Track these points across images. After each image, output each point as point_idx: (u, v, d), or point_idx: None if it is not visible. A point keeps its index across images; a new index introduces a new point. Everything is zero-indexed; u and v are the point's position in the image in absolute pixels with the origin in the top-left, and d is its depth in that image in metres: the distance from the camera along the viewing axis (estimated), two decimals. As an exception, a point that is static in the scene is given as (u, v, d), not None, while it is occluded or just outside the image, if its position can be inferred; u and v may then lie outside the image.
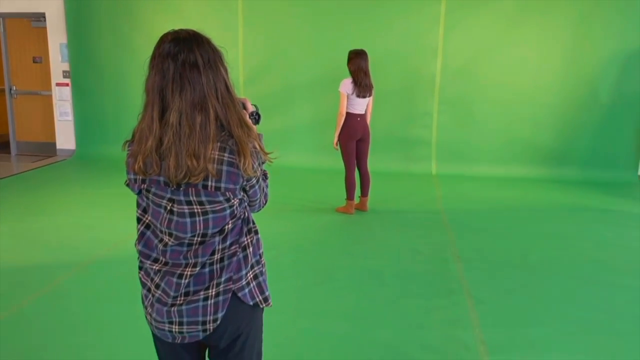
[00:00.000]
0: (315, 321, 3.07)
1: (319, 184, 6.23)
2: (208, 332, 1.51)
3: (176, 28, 1.46)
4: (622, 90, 6.59)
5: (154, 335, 1.60)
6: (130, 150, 1.47)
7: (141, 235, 1.54)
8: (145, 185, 1.46)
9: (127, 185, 1.52)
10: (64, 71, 7.61)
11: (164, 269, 1.49)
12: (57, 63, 7.61)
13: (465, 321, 3.07)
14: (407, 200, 5.71)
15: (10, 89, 7.99)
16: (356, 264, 3.93)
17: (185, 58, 1.38)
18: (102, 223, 4.76)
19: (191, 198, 1.43)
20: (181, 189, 1.42)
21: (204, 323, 1.49)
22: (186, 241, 1.46)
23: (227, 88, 1.44)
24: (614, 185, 6.51)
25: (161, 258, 1.50)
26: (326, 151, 6.17)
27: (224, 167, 1.41)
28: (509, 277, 3.75)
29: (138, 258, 1.55)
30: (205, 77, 1.39)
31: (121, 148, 1.53)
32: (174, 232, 1.46)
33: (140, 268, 1.57)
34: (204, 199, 1.43)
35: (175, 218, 1.45)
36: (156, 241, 1.50)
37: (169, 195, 1.44)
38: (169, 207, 1.45)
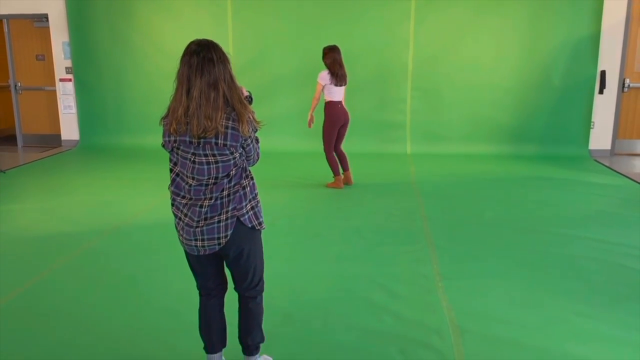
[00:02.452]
0: (306, 264, 3.84)
1: (303, 165, 6.94)
2: (221, 245, 2.22)
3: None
4: (572, 73, 7.42)
5: (185, 252, 2.33)
6: (165, 121, 2.19)
7: (173, 181, 2.25)
8: (176, 144, 2.18)
9: (163, 146, 2.23)
10: (66, 67, 8.22)
11: (190, 202, 2.20)
12: (60, 60, 8.21)
13: (426, 260, 3.85)
14: (384, 176, 6.47)
15: (16, 85, 8.58)
16: (340, 224, 4.68)
17: (205, 55, 2.10)
18: (119, 200, 5.44)
19: (207, 152, 2.14)
20: (200, 145, 2.13)
21: (218, 239, 2.20)
22: (204, 182, 2.17)
23: (232, 77, 2.16)
24: (567, 159, 7.35)
25: (187, 195, 2.20)
26: (308, 136, 6.90)
27: (229, 131, 2.12)
28: (466, 230, 4.54)
29: (170, 197, 2.26)
30: (218, 68, 2.11)
31: (158, 123, 2.24)
32: (196, 176, 2.16)
33: (172, 204, 2.27)
34: (215, 152, 2.13)
35: (196, 166, 2.16)
36: (183, 184, 2.21)
37: (192, 151, 2.15)
38: (192, 159, 2.16)
